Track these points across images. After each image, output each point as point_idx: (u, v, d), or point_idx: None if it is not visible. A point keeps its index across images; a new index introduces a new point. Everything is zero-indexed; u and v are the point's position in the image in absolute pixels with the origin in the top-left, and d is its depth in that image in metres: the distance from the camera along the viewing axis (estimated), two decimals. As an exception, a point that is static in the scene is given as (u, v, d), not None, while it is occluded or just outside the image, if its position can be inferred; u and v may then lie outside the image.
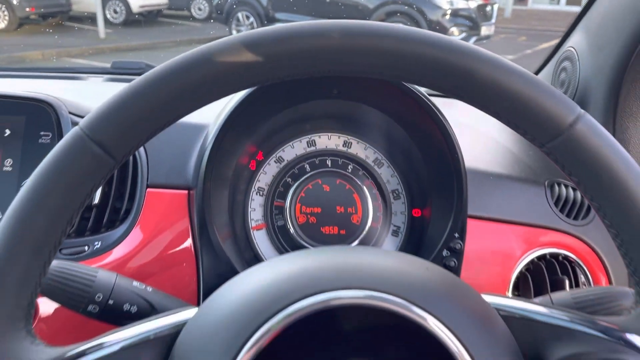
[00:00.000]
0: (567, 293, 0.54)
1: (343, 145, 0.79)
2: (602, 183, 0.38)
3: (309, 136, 0.78)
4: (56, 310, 0.63)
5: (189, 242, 0.68)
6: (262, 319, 0.35)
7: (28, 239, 0.36)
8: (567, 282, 0.72)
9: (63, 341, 0.40)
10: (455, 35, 6.77)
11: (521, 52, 7.35)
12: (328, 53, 0.38)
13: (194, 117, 0.62)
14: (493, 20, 7.27)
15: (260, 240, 0.76)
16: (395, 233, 0.77)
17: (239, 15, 7.47)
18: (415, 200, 0.77)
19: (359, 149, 0.79)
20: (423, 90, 0.70)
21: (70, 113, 0.68)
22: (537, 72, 0.99)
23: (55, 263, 0.51)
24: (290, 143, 0.78)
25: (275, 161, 0.77)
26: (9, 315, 0.36)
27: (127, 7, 8.46)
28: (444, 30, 6.75)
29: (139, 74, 1.09)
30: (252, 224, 0.76)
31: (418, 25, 6.63)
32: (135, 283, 0.54)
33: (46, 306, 0.63)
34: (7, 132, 0.66)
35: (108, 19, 8.29)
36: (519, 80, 0.38)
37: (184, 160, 0.72)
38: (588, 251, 0.74)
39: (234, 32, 7.29)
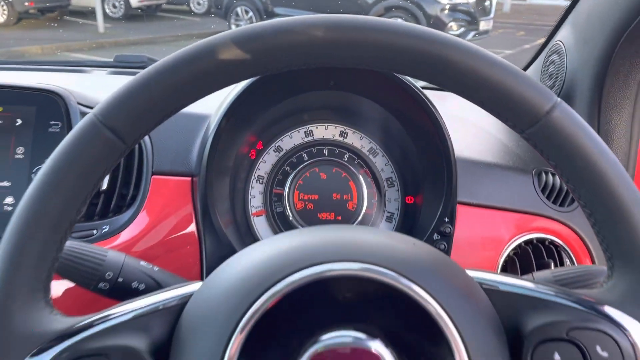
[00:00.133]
0: (548, 271, 0.58)
1: (339, 135, 0.82)
2: (577, 166, 0.41)
3: (307, 126, 0.82)
4: (66, 291, 0.67)
5: (192, 227, 0.72)
6: (263, 289, 0.39)
7: (46, 217, 0.40)
8: (552, 265, 0.75)
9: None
10: (454, 30, 6.78)
11: (520, 46, 7.37)
12: (318, 47, 0.41)
13: (197, 108, 0.65)
14: (491, 15, 7.27)
15: (260, 225, 0.79)
16: (389, 219, 0.81)
17: (238, 9, 7.48)
18: (408, 187, 0.81)
19: (355, 139, 0.82)
20: (416, 83, 0.74)
21: (78, 104, 0.72)
22: (528, 65, 1.03)
23: (67, 244, 0.55)
24: (289, 133, 0.81)
25: (274, 150, 0.81)
26: (30, 287, 0.40)
27: (126, 1, 8.46)
28: (442, 25, 6.75)
29: (141, 68, 1.13)
30: (252, 210, 0.79)
31: (416, 19, 6.64)
32: (143, 262, 0.58)
33: (55, 289, 0.66)
34: (19, 121, 0.69)
35: (107, 13, 8.29)
36: (500, 71, 0.41)
37: (187, 148, 0.75)
38: (573, 236, 0.78)
39: (233, 26, 7.30)
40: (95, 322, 0.41)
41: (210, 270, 0.71)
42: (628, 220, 0.41)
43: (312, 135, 0.82)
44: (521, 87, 0.41)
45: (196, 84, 0.41)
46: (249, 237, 0.78)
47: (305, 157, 0.81)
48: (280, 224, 0.79)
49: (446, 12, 6.84)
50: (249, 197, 0.79)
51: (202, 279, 0.73)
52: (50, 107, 0.69)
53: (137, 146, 0.74)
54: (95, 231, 0.68)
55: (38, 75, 1.01)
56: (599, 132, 0.79)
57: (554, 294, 0.43)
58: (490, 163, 0.81)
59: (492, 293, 0.43)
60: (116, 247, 0.68)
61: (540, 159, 0.84)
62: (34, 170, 0.66)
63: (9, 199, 0.68)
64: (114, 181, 0.71)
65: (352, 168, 0.80)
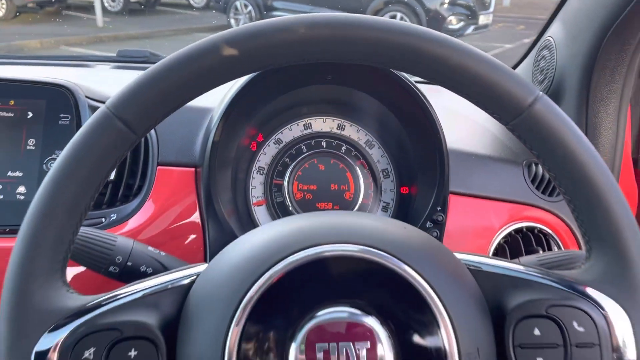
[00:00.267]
0: (534, 256, 0.61)
1: (337, 128, 0.85)
2: (557, 156, 0.44)
3: (306, 119, 0.84)
4: (76, 276, 0.70)
5: (196, 215, 0.75)
6: (264, 268, 0.42)
7: (63, 202, 0.43)
8: (540, 252, 0.78)
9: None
10: (453, 24, 6.77)
11: (519, 40, 7.36)
12: (321, 43, 0.44)
13: (200, 102, 0.68)
14: (491, 9, 7.26)
15: (261, 214, 0.82)
16: (384, 208, 0.84)
17: (237, 3, 7.46)
18: (403, 178, 0.84)
19: (352, 131, 0.85)
20: (411, 78, 0.77)
21: (86, 97, 0.74)
22: (521, 60, 1.05)
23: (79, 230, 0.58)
24: (288, 126, 0.84)
25: (274, 142, 0.84)
26: (48, 267, 0.43)
27: (125, -5, 8.44)
28: (442, 19, 6.74)
29: (144, 62, 1.16)
30: (253, 200, 0.82)
31: (416, 14, 6.64)
32: (150, 248, 0.61)
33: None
34: (30, 114, 0.72)
35: (106, 7, 8.26)
36: (486, 66, 0.44)
37: (191, 140, 0.78)
38: (561, 224, 0.81)
39: (232, 20, 7.29)
40: (109, 300, 0.44)
41: (213, 256, 0.74)
42: (604, 206, 0.44)
43: (311, 127, 0.84)
44: (505, 82, 0.44)
45: (202, 79, 0.44)
46: (250, 226, 0.81)
47: (304, 149, 0.84)
48: (280, 213, 0.82)
49: (446, 6, 6.82)
50: (250, 187, 0.82)
51: (206, 264, 0.76)
52: (60, 100, 0.72)
53: (143, 138, 0.77)
54: (103, 219, 0.72)
55: (45, 69, 1.03)
56: (586, 125, 0.82)
57: (535, 274, 0.46)
58: (482, 155, 0.84)
59: (478, 273, 0.46)
60: (123, 234, 0.71)
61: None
62: (45, 161, 0.69)
63: (21, 189, 0.71)
64: (121, 172, 0.74)
65: (349, 159, 0.83)
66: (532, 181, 0.83)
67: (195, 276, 0.46)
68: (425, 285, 0.42)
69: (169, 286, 0.46)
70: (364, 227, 0.45)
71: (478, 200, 0.80)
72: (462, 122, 0.95)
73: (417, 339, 0.41)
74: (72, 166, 0.43)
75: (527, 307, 0.44)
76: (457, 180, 0.79)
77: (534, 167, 0.84)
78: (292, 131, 0.84)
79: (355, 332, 0.41)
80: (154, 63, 1.13)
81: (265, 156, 0.83)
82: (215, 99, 0.78)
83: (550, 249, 0.80)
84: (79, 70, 1.07)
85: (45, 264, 0.42)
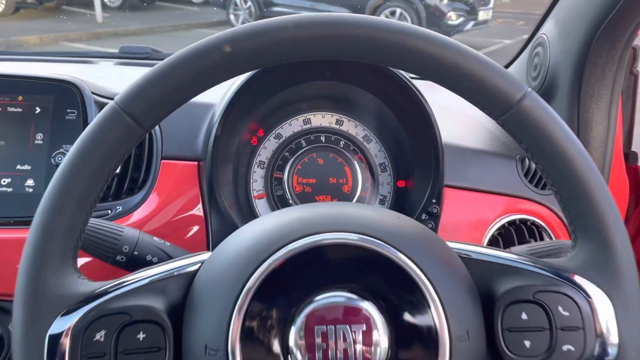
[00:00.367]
0: (525, 246, 0.63)
1: (335, 123, 0.87)
2: (545, 149, 0.47)
3: (305, 115, 0.86)
4: (84, 265, 0.72)
5: (199, 208, 0.77)
6: (266, 255, 0.44)
7: (75, 193, 0.45)
8: (532, 243, 0.80)
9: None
10: (453, 20, 6.77)
11: (519, 36, 7.35)
12: (320, 42, 0.46)
13: (202, 98, 0.70)
14: (491, 5, 7.25)
15: (262, 207, 0.84)
16: (382, 201, 0.86)
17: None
18: (400, 172, 0.86)
19: (350, 127, 0.87)
20: (407, 74, 0.79)
21: (92, 93, 0.77)
22: (516, 57, 1.08)
23: None
24: (288, 121, 0.86)
25: (274, 137, 0.86)
26: (61, 254, 0.45)
27: (125, -10, 8.42)
28: (441, 14, 6.74)
29: (146, 58, 1.18)
30: (254, 193, 0.84)
31: (415, 9, 6.64)
32: (156, 238, 0.63)
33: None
34: (38, 109, 0.75)
35: (105, 2, 8.25)
36: (477, 64, 0.46)
37: (194, 135, 0.80)
38: (553, 217, 0.83)
39: (232, 16, 7.28)
40: (118, 286, 0.46)
41: (216, 246, 0.77)
42: (589, 197, 0.46)
43: (310, 123, 0.86)
44: (495, 79, 0.46)
45: (206, 76, 0.46)
46: (251, 218, 0.83)
47: (304, 144, 0.86)
48: (281, 206, 0.84)
49: (445, 1, 6.81)
50: (251, 181, 0.84)
51: (209, 254, 0.78)
52: (67, 96, 0.74)
53: (147, 133, 0.79)
54: (109, 211, 0.74)
55: (50, 66, 1.05)
56: (578, 120, 0.84)
57: (522, 262, 0.48)
58: (477, 149, 0.86)
59: (468, 261, 0.48)
60: (129, 226, 0.74)
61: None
62: (53, 155, 0.71)
63: (30, 182, 0.73)
64: (127, 165, 0.76)
65: (347, 154, 0.85)
66: (525, 175, 0.85)
67: (199, 264, 0.48)
68: (418, 272, 0.44)
69: (175, 273, 0.48)
70: (360, 216, 0.47)
71: (473, 194, 0.82)
72: (457, 118, 0.97)
73: (410, 321, 0.44)
74: (83, 158, 0.45)
75: (515, 292, 0.46)
76: (453, 173, 0.81)
77: (527, 161, 0.87)
78: (291, 126, 0.86)
79: (352, 316, 0.43)
80: (155, 59, 1.16)
81: (266, 150, 0.85)
82: (217, 95, 0.80)
83: (542, 240, 0.82)
84: (84, 66, 1.09)
85: (58, 251, 0.44)
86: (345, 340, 0.42)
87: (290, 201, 0.84)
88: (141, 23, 7.69)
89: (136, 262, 0.61)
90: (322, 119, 0.87)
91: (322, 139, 0.86)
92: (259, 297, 0.43)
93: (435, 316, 0.43)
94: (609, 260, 0.46)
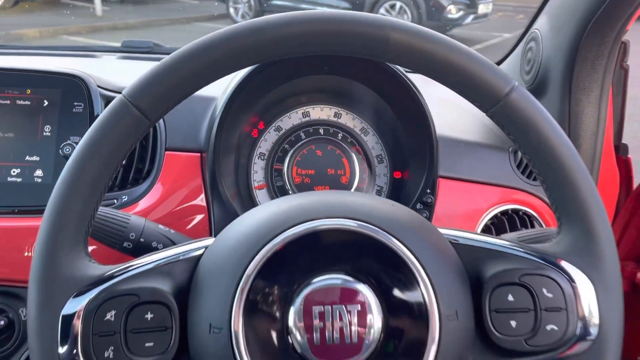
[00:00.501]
0: (515, 233, 0.66)
1: (334, 116, 0.89)
2: (531, 139, 0.49)
3: (304, 108, 0.88)
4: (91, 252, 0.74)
5: (201, 198, 0.79)
6: (267, 240, 0.47)
7: (86, 180, 0.47)
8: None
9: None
10: (453, 13, 6.75)
11: (518, 30, 7.33)
12: (318, 37, 0.48)
13: (205, 91, 0.72)
14: (491, -2, 7.25)
15: (262, 198, 0.87)
16: (378, 192, 0.89)
17: (237, -8, 7.43)
18: (396, 163, 0.88)
19: (348, 119, 0.89)
20: (402, 68, 0.81)
21: (98, 86, 0.79)
22: (511, 51, 1.10)
23: None
24: (288, 114, 0.88)
25: (274, 130, 0.88)
26: (73, 239, 0.47)
27: (124, -16, 8.38)
28: (441, 8, 6.72)
29: (148, 52, 1.20)
30: (255, 184, 0.87)
31: (415, 3, 6.62)
32: (161, 226, 0.66)
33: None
34: (46, 102, 0.77)
35: (105, -4, 8.22)
36: (467, 59, 0.49)
37: (197, 127, 0.82)
38: (544, 207, 0.86)
39: (232, 9, 7.26)
40: (127, 269, 0.49)
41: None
42: (572, 185, 0.49)
43: (309, 115, 0.89)
44: (485, 73, 0.49)
45: (209, 70, 0.48)
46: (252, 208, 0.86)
47: (303, 136, 0.88)
48: (281, 196, 0.87)
49: (445, -6, 6.80)
50: (252, 172, 0.87)
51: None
52: (74, 89, 0.77)
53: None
54: (116, 200, 0.76)
55: (55, 60, 1.07)
56: (569, 113, 0.86)
57: (509, 247, 0.51)
58: (470, 141, 0.88)
59: (458, 246, 0.51)
60: (134, 214, 0.76)
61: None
62: (61, 146, 0.74)
63: (39, 172, 0.76)
64: (132, 156, 0.79)
65: (345, 146, 0.88)
66: (518, 166, 0.87)
67: (203, 249, 0.51)
68: (410, 255, 0.46)
69: (181, 257, 0.50)
70: (355, 203, 0.50)
71: (466, 184, 0.85)
72: (453, 110, 0.99)
73: (402, 302, 0.46)
74: (94, 148, 0.47)
75: (502, 276, 0.48)
76: (447, 165, 0.83)
77: (519, 153, 0.89)
78: (291, 119, 0.88)
79: (348, 297, 0.46)
80: (157, 53, 1.18)
81: (266, 142, 0.88)
82: (219, 89, 0.82)
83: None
84: (88, 60, 1.12)
85: (70, 235, 0.47)
86: (341, 319, 0.45)
87: (290, 192, 0.86)
88: (140, 16, 7.66)
89: (142, 248, 0.64)
90: (320, 112, 0.89)
91: (321, 131, 0.88)
92: (260, 279, 0.46)
93: (426, 297, 0.45)
94: (591, 245, 0.49)
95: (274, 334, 0.46)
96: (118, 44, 1.26)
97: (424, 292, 0.46)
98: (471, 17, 6.85)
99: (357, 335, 0.45)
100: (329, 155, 0.87)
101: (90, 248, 0.72)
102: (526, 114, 0.49)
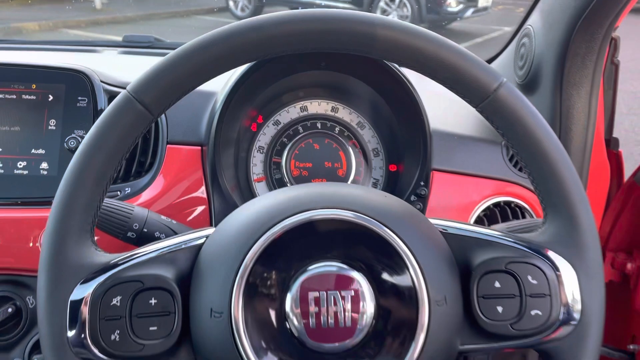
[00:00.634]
0: (504, 224, 0.68)
1: (331, 110, 0.91)
2: (518, 133, 0.51)
3: (302, 102, 0.90)
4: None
5: (202, 190, 0.81)
6: (265, 229, 0.49)
7: (92, 172, 0.49)
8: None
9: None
10: (453, 7, 6.73)
11: (518, 24, 7.32)
12: (314, 35, 0.50)
13: (205, 86, 0.74)
14: (491, -8, 7.23)
15: (261, 190, 0.89)
16: (374, 184, 0.91)
17: (236, -14, 7.40)
18: (392, 157, 0.90)
19: (345, 114, 0.91)
20: (397, 64, 0.83)
21: (101, 81, 0.81)
22: (505, 47, 1.12)
23: None
24: (286, 108, 0.90)
25: (273, 124, 0.90)
26: (80, 227, 0.49)
27: (123, -23, 8.34)
28: (441, 1, 6.72)
29: (148, 47, 1.21)
30: (254, 177, 0.89)
31: (415, -3, 6.60)
32: (163, 217, 0.68)
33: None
34: (50, 97, 0.79)
35: (104, -11, 8.18)
36: (457, 56, 0.51)
37: (197, 121, 0.84)
38: (535, 199, 0.88)
39: (231, 2, 7.24)
40: (132, 257, 0.51)
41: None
42: (557, 177, 0.51)
43: (307, 110, 0.91)
44: (474, 70, 0.51)
45: (211, 66, 0.50)
46: (251, 200, 0.88)
47: (301, 130, 0.90)
48: (279, 188, 0.89)
49: (445, -12, 6.78)
50: (251, 165, 0.89)
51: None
52: (78, 84, 0.79)
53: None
54: (119, 192, 0.79)
55: (57, 55, 1.09)
56: (561, 108, 0.88)
57: (497, 236, 0.53)
58: (464, 135, 0.90)
59: (448, 235, 0.53)
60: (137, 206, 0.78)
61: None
62: (66, 140, 0.76)
63: (44, 165, 0.78)
64: (134, 150, 0.81)
65: (342, 139, 0.90)
66: (510, 160, 0.89)
67: (205, 238, 0.53)
68: (401, 243, 0.49)
69: (183, 246, 0.52)
70: (350, 195, 0.52)
71: (460, 177, 0.87)
72: (446, 105, 1.00)
73: (393, 288, 0.49)
74: (100, 141, 0.50)
75: (489, 263, 0.51)
76: (441, 158, 0.85)
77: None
78: (289, 113, 0.90)
79: (342, 283, 0.48)
80: (158, 48, 1.20)
81: (265, 136, 0.90)
82: (219, 84, 0.84)
83: (524, 220, 0.87)
84: (90, 55, 1.13)
85: (78, 225, 0.49)
86: (335, 304, 0.47)
87: (288, 184, 0.88)
88: (140, 9, 7.63)
89: (145, 238, 0.66)
90: (318, 107, 0.91)
91: (318, 125, 0.90)
92: (258, 266, 0.48)
93: (416, 283, 0.48)
94: (574, 234, 0.51)
95: (272, 318, 0.48)
96: (118, 38, 1.28)
97: (414, 278, 0.48)
98: (471, 10, 6.82)
99: (351, 319, 0.47)
100: (326, 148, 0.89)
101: (94, 238, 0.75)
102: (513, 108, 0.51)
